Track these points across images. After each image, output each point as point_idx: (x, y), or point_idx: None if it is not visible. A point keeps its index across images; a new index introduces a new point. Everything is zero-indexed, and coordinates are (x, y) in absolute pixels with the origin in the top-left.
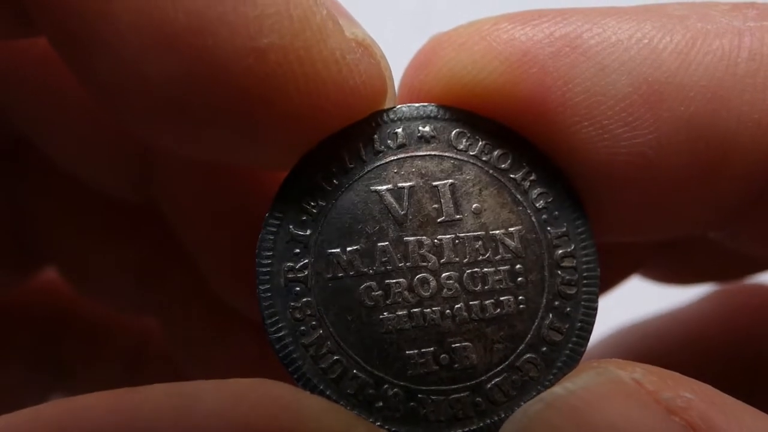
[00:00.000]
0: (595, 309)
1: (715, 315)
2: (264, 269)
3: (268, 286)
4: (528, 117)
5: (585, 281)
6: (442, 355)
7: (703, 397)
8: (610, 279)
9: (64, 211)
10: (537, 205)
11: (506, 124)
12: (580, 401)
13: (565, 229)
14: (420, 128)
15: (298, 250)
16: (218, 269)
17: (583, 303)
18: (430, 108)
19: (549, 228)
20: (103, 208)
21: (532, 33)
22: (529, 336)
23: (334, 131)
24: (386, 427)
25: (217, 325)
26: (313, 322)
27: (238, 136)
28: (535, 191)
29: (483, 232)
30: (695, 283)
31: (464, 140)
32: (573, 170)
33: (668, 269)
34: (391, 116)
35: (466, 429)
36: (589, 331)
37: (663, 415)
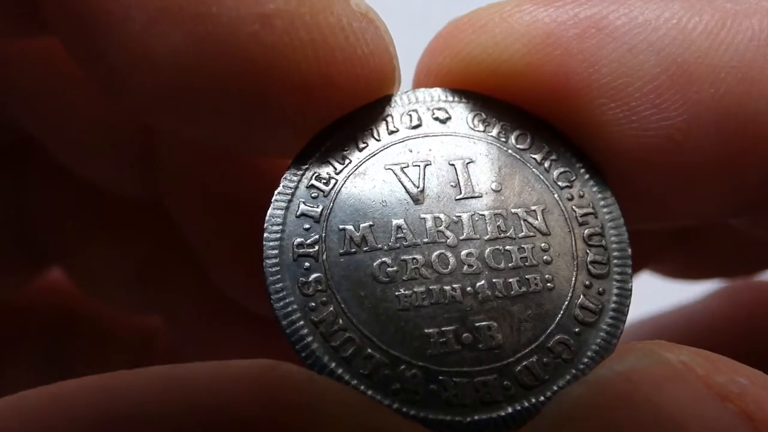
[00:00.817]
0: (630, 290)
1: (723, 311)
2: (272, 243)
3: (276, 260)
4: (552, 100)
5: (616, 260)
6: (465, 335)
7: (758, 383)
8: None
9: (68, 209)
10: (560, 183)
11: (528, 107)
12: (629, 384)
13: (591, 207)
14: (435, 111)
15: (308, 226)
16: (223, 265)
17: (615, 283)
18: (446, 93)
19: (573, 206)
20: (107, 205)
21: (555, 14)
22: (559, 316)
23: (346, 109)
24: (404, 410)
25: (222, 322)
26: (324, 298)
27: (248, 112)
28: (557, 171)
29: (503, 210)
30: (705, 279)
31: (481, 122)
32: (598, 153)
33: (678, 264)
34: (406, 99)
35: (494, 414)
36: (625, 313)
37: (716, 402)
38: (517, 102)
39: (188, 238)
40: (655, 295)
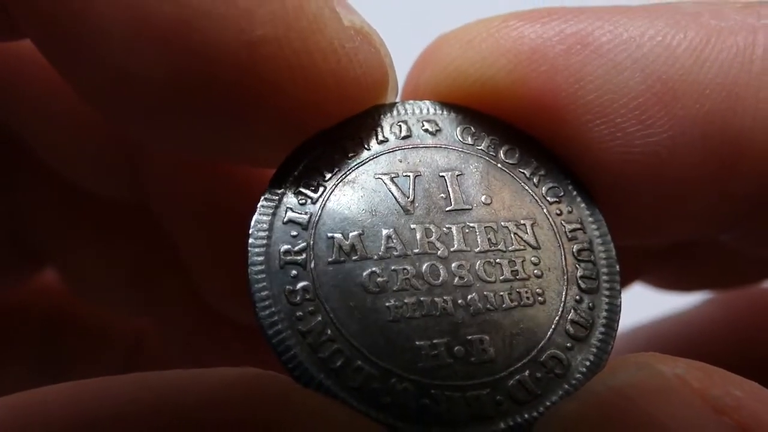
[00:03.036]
0: (619, 305)
1: (718, 319)
2: (257, 250)
3: (262, 268)
4: (538, 115)
5: (605, 276)
6: (457, 347)
7: (753, 395)
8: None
9: (58, 212)
10: (549, 198)
11: (513, 122)
12: (622, 399)
13: (579, 223)
14: (425, 123)
15: (295, 233)
16: (207, 273)
17: (605, 298)
18: (435, 106)
19: (563, 221)
20: (96, 208)
21: (542, 30)
22: (551, 330)
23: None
24: (395, 424)
25: (211, 326)
26: (312, 308)
27: (232, 135)
28: (546, 186)
29: (494, 223)
30: (696, 290)
31: (470, 136)
32: (584, 169)
33: (669, 276)
34: (395, 111)
35: (487, 430)
36: (615, 328)
37: (712, 415)
38: (505, 117)
39: (174, 242)
40: (650, 302)
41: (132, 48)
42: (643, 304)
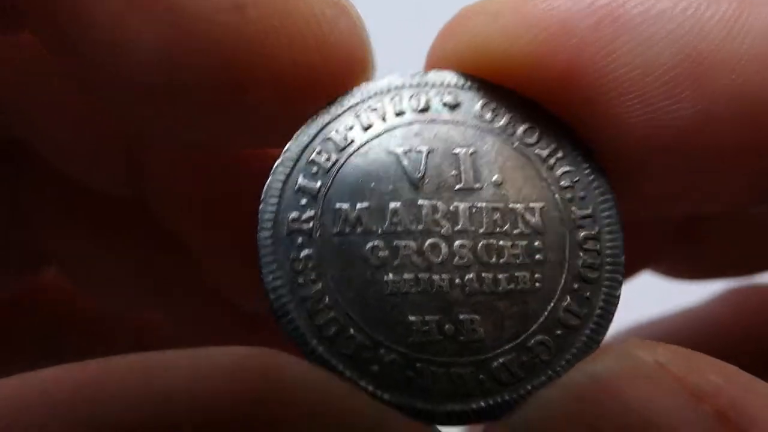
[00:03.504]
0: (618, 297)
1: (727, 315)
2: (267, 216)
3: (270, 233)
4: (565, 89)
5: (608, 266)
6: (447, 326)
7: (733, 382)
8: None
9: (61, 209)
10: (562, 183)
11: (538, 97)
12: (601, 387)
13: (590, 210)
14: (445, 95)
15: (305, 201)
16: (214, 263)
17: (604, 289)
18: (457, 77)
19: (573, 207)
20: (100, 204)
21: (571, 3)
22: (543, 317)
23: (321, 96)
24: (379, 393)
25: (219, 316)
26: (313, 276)
27: (226, 103)
28: (561, 169)
29: (502, 204)
30: (705, 279)
31: (490, 112)
32: (608, 145)
33: (678, 264)
34: (416, 80)
35: (466, 407)
36: (610, 320)
37: (691, 403)
38: (530, 92)
39: (178, 236)
40: (655, 298)
41: (124, 18)
42: (650, 299)
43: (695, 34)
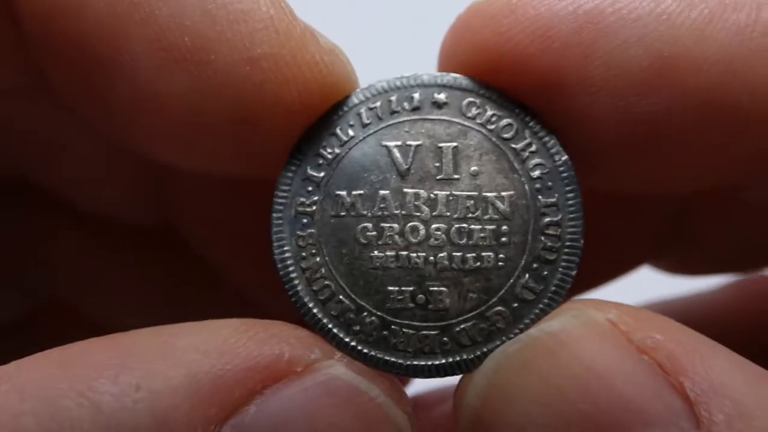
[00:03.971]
0: (572, 276)
1: (734, 305)
2: (279, 200)
3: (281, 215)
4: (549, 87)
5: (567, 250)
6: (419, 296)
7: (671, 337)
8: (620, 267)
9: (81, 243)
10: (532, 174)
11: (526, 94)
12: (555, 342)
13: (555, 199)
14: (435, 95)
15: (310, 188)
16: (242, 275)
17: (561, 269)
18: (448, 77)
19: (540, 196)
20: (127, 236)
21: (557, 9)
22: (502, 291)
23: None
24: (359, 348)
25: None
26: (313, 251)
27: (242, 138)
28: (533, 161)
29: (476, 193)
30: (701, 275)
31: (474, 109)
32: (587, 135)
33: (675, 260)
34: (411, 82)
35: (430, 362)
36: (562, 296)
37: (634, 355)
38: (519, 89)
39: (205, 256)
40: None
41: (159, 72)
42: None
43: (666, 39)
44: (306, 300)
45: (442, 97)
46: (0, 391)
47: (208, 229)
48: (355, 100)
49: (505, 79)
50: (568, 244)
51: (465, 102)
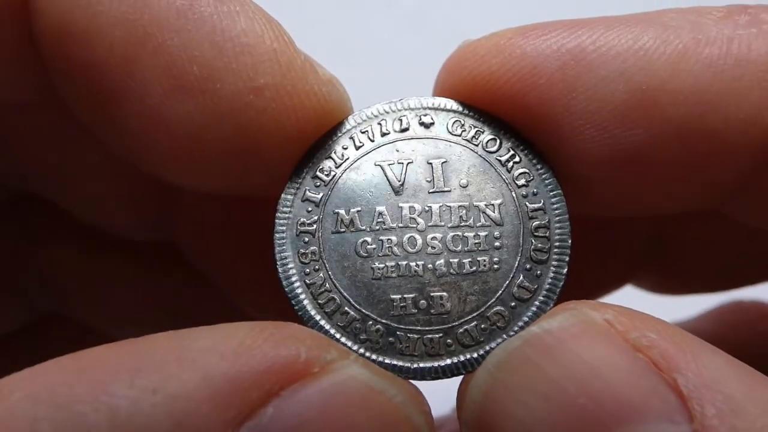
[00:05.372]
0: (564, 274)
1: (712, 332)
2: (282, 221)
3: (283, 235)
4: (536, 120)
5: (557, 249)
6: (421, 301)
7: (664, 336)
8: (603, 286)
9: (84, 256)
10: (518, 182)
11: (515, 123)
12: (554, 339)
13: (541, 203)
14: (422, 117)
15: (310, 209)
16: (245, 289)
17: (553, 268)
18: (433, 100)
19: (527, 202)
20: (123, 249)
21: (541, 48)
22: (500, 292)
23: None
24: (367, 355)
25: None
26: (317, 266)
27: (244, 161)
28: (518, 171)
29: (467, 202)
30: (682, 293)
31: (459, 127)
32: (571, 163)
33: (656, 279)
34: (399, 106)
35: (436, 364)
36: (556, 293)
37: (629, 352)
38: (508, 118)
39: (203, 271)
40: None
41: (167, 99)
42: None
43: (645, 73)
44: (313, 313)
45: (428, 118)
46: (14, 398)
47: (207, 244)
48: (347, 125)
49: (496, 112)
50: (557, 244)
51: (450, 121)
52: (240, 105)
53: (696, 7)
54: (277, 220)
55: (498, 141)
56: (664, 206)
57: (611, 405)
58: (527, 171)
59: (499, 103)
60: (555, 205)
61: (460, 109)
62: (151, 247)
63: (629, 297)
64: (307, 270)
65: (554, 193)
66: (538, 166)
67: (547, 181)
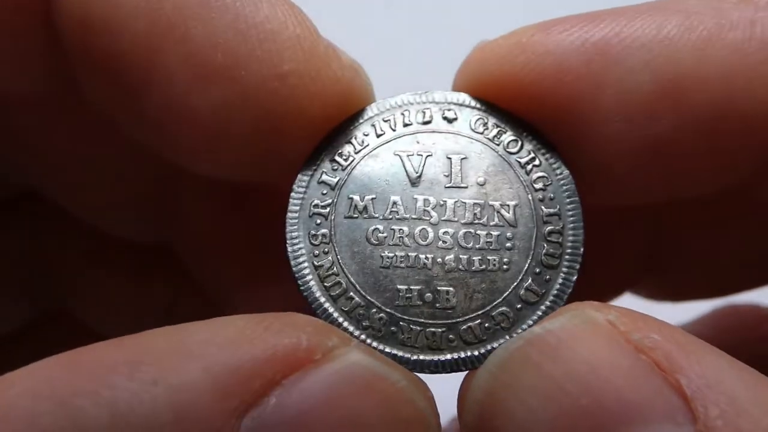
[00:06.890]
0: (573, 281)
1: (711, 335)
2: (295, 201)
3: (296, 215)
4: (562, 116)
5: (568, 256)
6: (427, 294)
7: (667, 337)
8: (602, 295)
9: (84, 256)
10: (536, 186)
11: (541, 120)
12: (556, 339)
13: (557, 209)
14: (446, 111)
15: (325, 191)
16: (237, 296)
17: (562, 274)
18: (458, 96)
19: (543, 206)
20: (123, 251)
21: (565, 44)
22: (507, 293)
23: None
24: (368, 342)
25: None
26: (326, 249)
27: (268, 147)
28: (536, 174)
29: (483, 201)
30: (680, 300)
31: (482, 125)
32: (598, 155)
33: (655, 287)
34: (424, 99)
35: (436, 358)
36: (563, 299)
37: (632, 354)
38: (535, 117)
39: (200, 275)
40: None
41: (193, 87)
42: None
43: (670, 62)
44: (318, 295)
45: (452, 113)
46: (14, 393)
47: (205, 249)
48: (370, 112)
49: (521, 111)
50: (569, 250)
51: (474, 118)
52: (265, 92)
53: None
54: (291, 200)
55: (519, 142)
56: (689, 190)
57: (613, 406)
58: (546, 175)
59: (524, 103)
60: (570, 212)
61: (484, 107)
62: (151, 249)
63: (627, 300)
64: (317, 252)
65: (571, 199)
66: (558, 171)
67: (564, 187)
